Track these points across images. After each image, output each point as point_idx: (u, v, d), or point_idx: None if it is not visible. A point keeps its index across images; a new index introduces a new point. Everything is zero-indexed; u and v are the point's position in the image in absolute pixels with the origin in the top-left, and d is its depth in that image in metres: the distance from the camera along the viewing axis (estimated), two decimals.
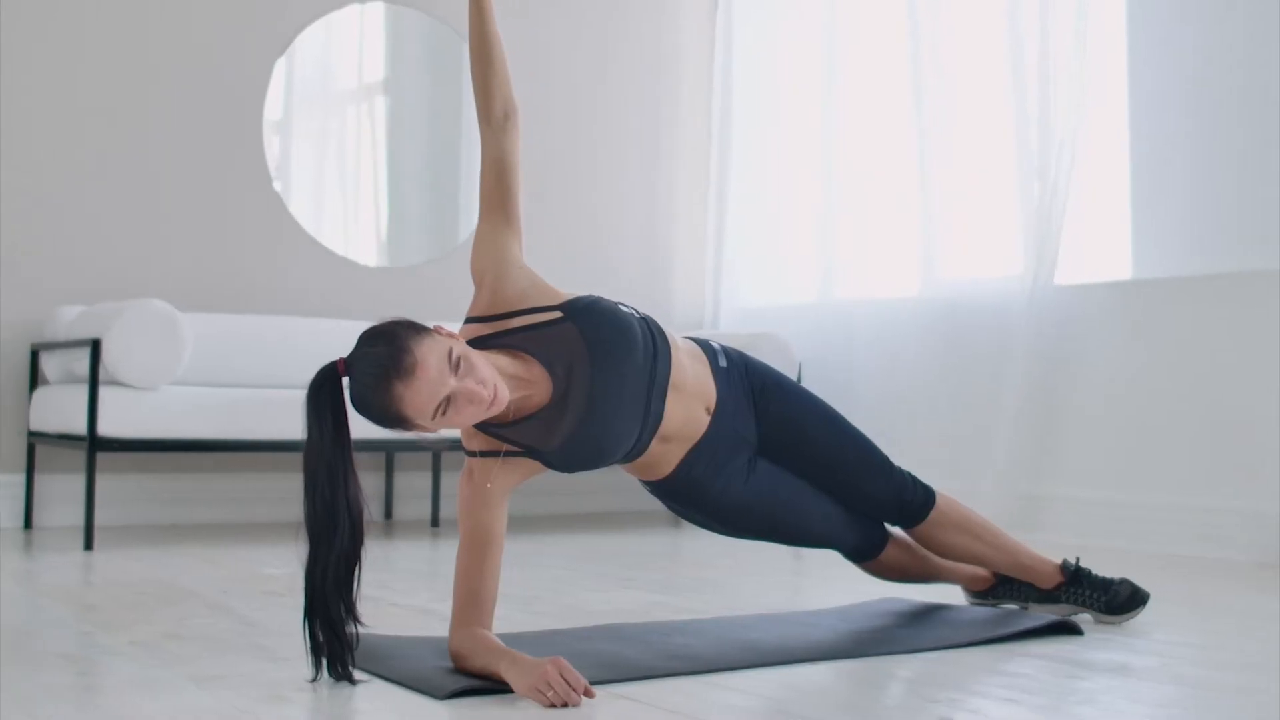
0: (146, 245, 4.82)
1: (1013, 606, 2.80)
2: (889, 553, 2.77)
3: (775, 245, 5.67)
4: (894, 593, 2.99)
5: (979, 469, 4.55)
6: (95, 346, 3.98)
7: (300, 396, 2.07)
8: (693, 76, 5.97)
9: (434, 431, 2.07)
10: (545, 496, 5.09)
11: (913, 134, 4.98)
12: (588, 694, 1.95)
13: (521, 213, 2.34)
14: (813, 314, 5.35)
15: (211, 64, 4.97)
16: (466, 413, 2.06)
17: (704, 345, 2.57)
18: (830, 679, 2.23)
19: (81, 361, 4.09)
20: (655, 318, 2.46)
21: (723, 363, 2.56)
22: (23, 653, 2.34)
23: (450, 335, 2.08)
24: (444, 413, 2.03)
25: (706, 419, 2.48)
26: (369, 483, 5.01)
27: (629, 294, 4.63)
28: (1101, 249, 4.52)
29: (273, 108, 5.11)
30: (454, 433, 2.24)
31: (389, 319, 2.07)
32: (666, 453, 2.45)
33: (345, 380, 2.06)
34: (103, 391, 3.99)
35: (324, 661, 2.07)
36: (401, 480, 5.16)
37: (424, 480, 5.12)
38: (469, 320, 2.26)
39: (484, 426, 2.21)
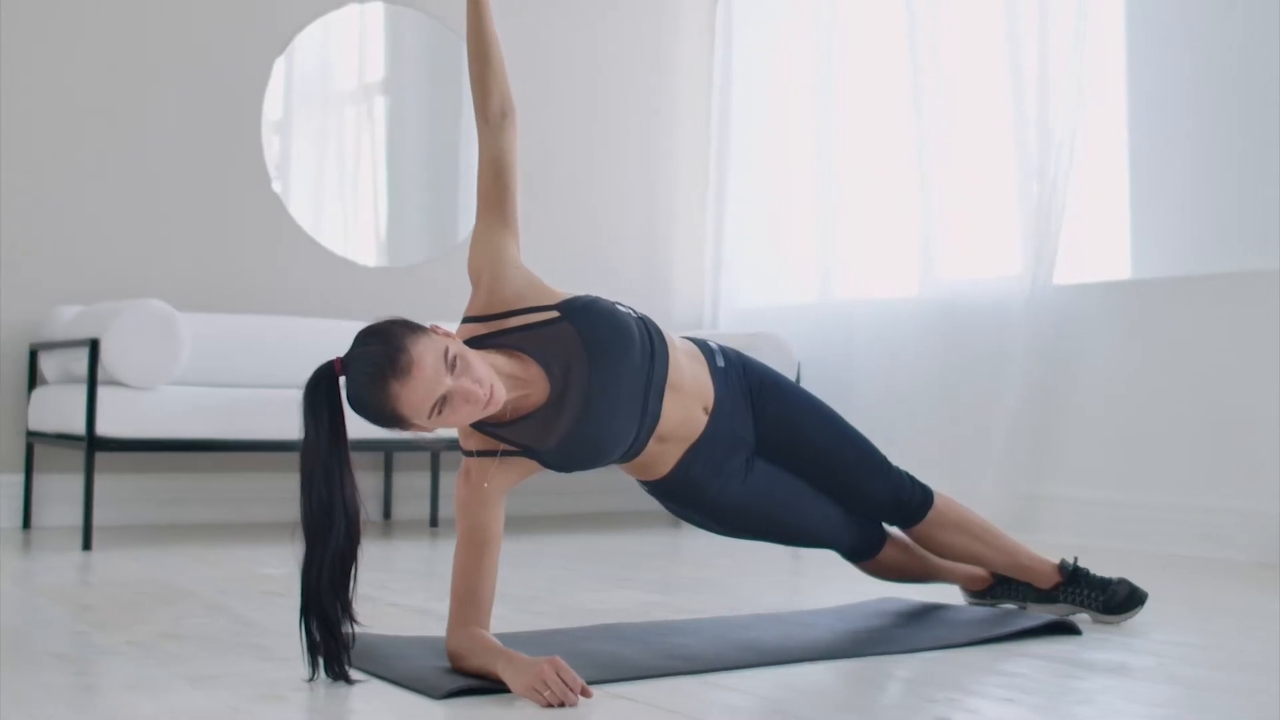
0: (145, 245, 4.82)
1: (1011, 606, 2.80)
2: (887, 553, 2.77)
3: (774, 245, 5.67)
4: (892, 592, 2.99)
5: (978, 469, 4.55)
6: (94, 346, 3.98)
7: (298, 396, 2.07)
8: (692, 76, 5.97)
9: (430, 431, 2.07)
10: (543, 496, 5.09)
11: (912, 134, 4.98)
12: (585, 693, 1.94)
13: (519, 212, 2.34)
14: (812, 314, 5.35)
15: (211, 64, 4.97)
16: (462, 412, 2.05)
17: (702, 345, 2.57)
18: (828, 679, 2.22)
19: (80, 361, 4.09)
20: (654, 318, 2.47)
21: (720, 363, 2.56)
22: (20, 652, 2.34)
23: (447, 334, 2.08)
24: (440, 412, 2.03)
25: (704, 419, 2.48)
26: (368, 482, 5.03)
27: (628, 294, 4.63)
28: (1100, 249, 4.52)
29: (272, 107, 5.11)
30: (452, 432, 2.24)
31: (385, 318, 2.07)
32: (664, 453, 2.45)
33: (342, 379, 2.06)
34: (101, 391, 3.99)
35: (320, 661, 2.07)
36: (400, 480, 5.16)
37: (423, 480, 5.12)
38: (466, 320, 2.26)
39: (481, 426, 2.21)
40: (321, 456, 2.04)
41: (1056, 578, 2.74)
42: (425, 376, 1.99)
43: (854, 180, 5.27)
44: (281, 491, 4.53)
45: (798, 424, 2.62)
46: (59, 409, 4.19)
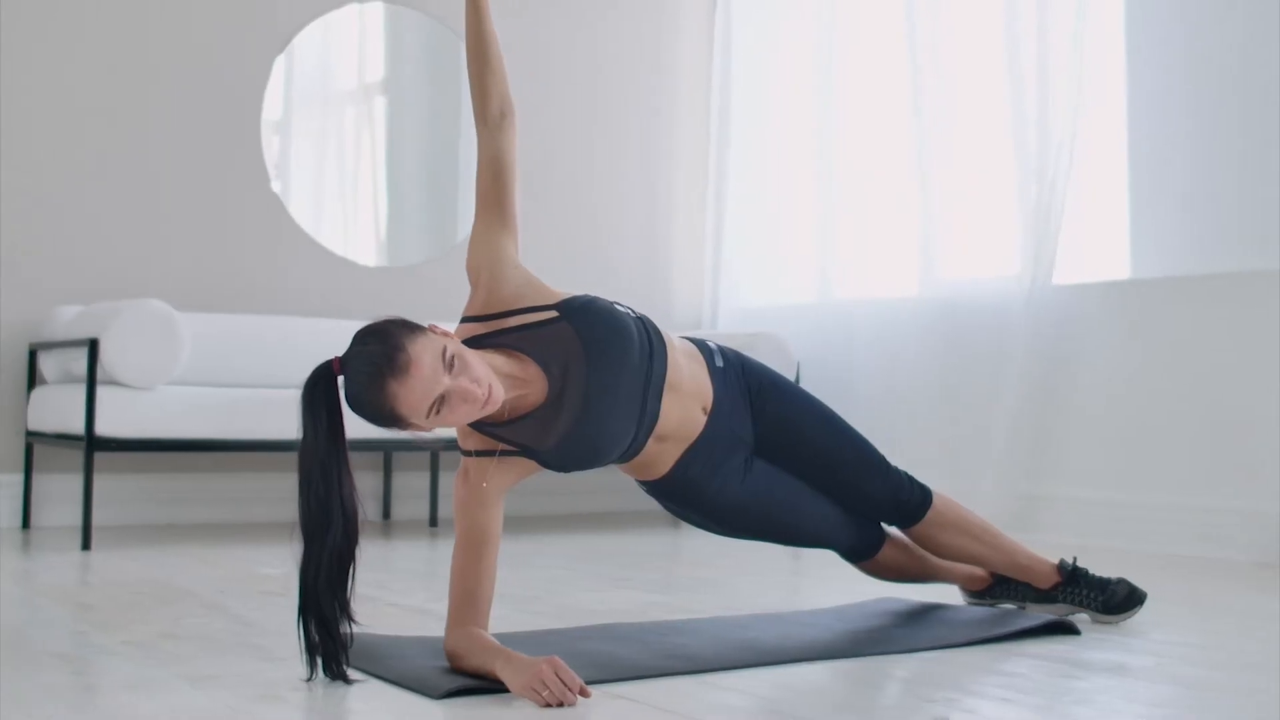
0: (145, 245, 4.82)
1: (1010, 606, 2.80)
2: (886, 552, 2.77)
3: (774, 245, 5.67)
4: (891, 592, 2.99)
5: (978, 469, 4.54)
6: (93, 346, 3.98)
7: (297, 396, 2.07)
8: (691, 76, 5.97)
9: (429, 430, 2.07)
10: (542, 496, 5.09)
11: (911, 134, 4.98)
12: (583, 693, 1.94)
13: (518, 212, 2.34)
14: (811, 314, 5.35)
15: (211, 63, 4.97)
16: (460, 411, 2.05)
17: (701, 345, 2.57)
18: (827, 679, 2.22)
19: (79, 361, 4.09)
20: (654, 318, 2.47)
21: (719, 362, 2.56)
22: (19, 652, 2.34)
23: (445, 334, 2.08)
24: (438, 411, 2.03)
25: (703, 419, 2.48)
26: (367, 482, 5.03)
27: (628, 294, 4.63)
28: (1100, 249, 4.51)
29: (272, 107, 5.11)
30: (451, 432, 2.24)
31: (383, 318, 2.07)
32: (663, 452, 2.45)
33: (340, 379, 2.06)
34: (101, 391, 3.99)
35: (319, 661, 2.06)
36: (400, 480, 5.16)
37: (422, 480, 5.12)
38: (464, 319, 2.26)
39: (479, 426, 2.21)
40: (320, 456, 2.04)
41: (1056, 578, 2.74)
42: (423, 376, 1.99)
43: (854, 180, 5.27)
44: (281, 491, 4.51)
45: (796, 424, 2.62)
46: (58, 409, 4.19)
